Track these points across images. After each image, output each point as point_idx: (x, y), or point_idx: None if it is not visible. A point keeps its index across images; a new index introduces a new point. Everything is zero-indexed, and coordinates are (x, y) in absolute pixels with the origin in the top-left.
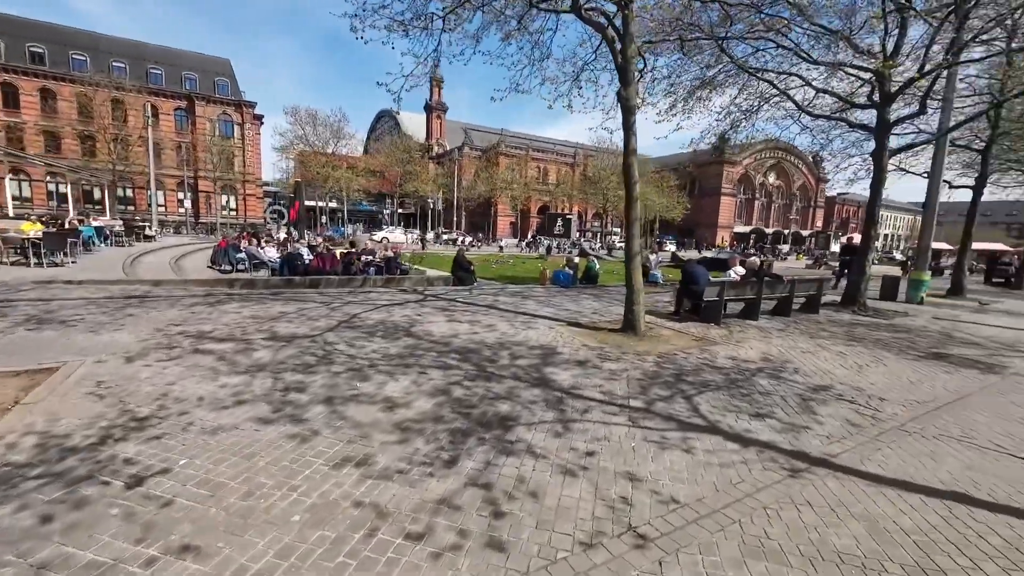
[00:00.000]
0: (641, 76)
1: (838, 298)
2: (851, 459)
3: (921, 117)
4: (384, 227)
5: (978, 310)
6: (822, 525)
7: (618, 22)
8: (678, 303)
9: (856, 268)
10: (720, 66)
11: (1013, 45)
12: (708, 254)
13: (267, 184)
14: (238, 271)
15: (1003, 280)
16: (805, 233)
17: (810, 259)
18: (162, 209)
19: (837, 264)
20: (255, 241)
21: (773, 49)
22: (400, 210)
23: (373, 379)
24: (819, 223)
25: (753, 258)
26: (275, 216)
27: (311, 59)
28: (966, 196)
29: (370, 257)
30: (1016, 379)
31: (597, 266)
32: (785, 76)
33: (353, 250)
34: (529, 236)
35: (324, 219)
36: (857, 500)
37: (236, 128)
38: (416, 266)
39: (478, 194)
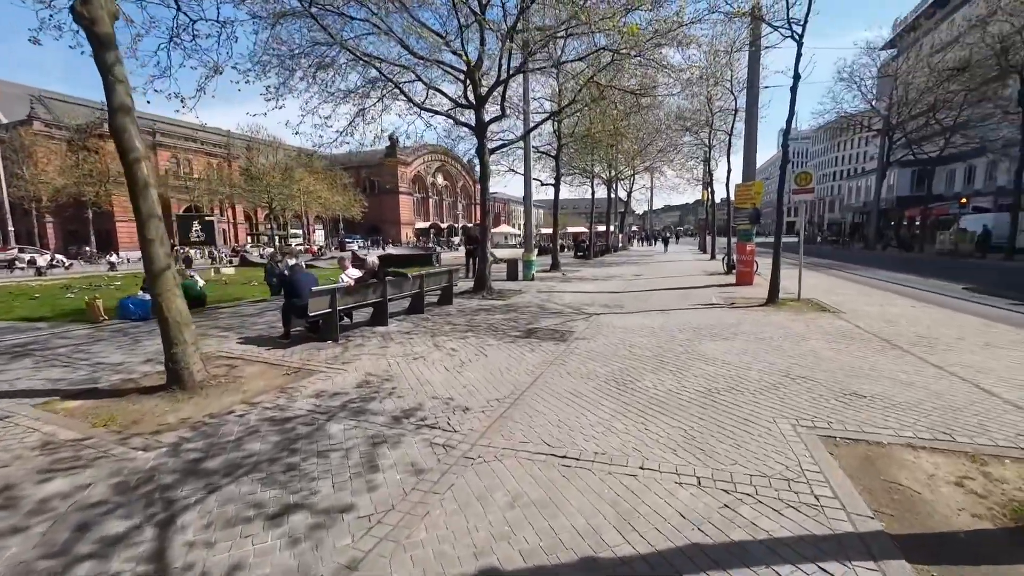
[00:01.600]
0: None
1: (472, 284)
2: (376, 562)
3: (514, 122)
4: None
5: (563, 280)
6: None
7: None
8: (285, 323)
9: (480, 256)
10: (337, 48)
11: (558, 70)
12: (394, 250)
13: None
14: None
15: (582, 254)
16: (471, 226)
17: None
18: None
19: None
20: None
21: (382, 37)
22: None
23: None
24: (479, 218)
25: (372, 256)
26: None
27: None
28: (569, 193)
29: None
30: (575, 344)
31: (201, 284)
32: (400, 69)
33: None
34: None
35: None
36: None
37: None
38: None
39: (57, 190)
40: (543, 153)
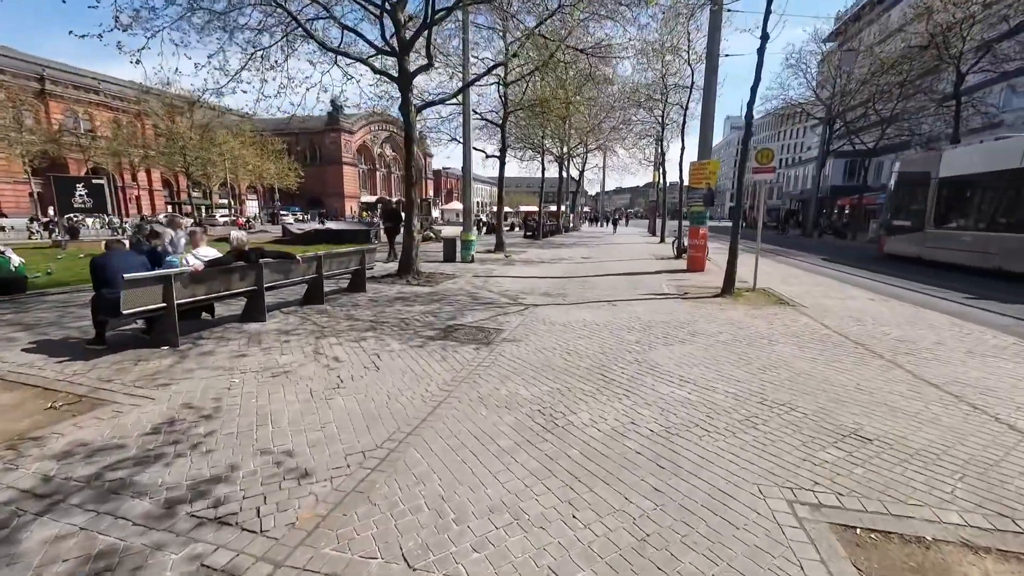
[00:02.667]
0: None
1: (396, 267)
2: None
3: (456, 84)
4: None
5: (506, 262)
6: None
7: None
8: (96, 323)
9: (405, 234)
10: None
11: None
12: (333, 225)
13: None
14: None
15: (531, 233)
16: (419, 201)
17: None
18: None
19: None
20: None
21: None
22: None
23: None
24: (431, 192)
25: (239, 233)
26: None
27: None
28: (521, 171)
29: None
30: (500, 349)
31: (15, 263)
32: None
33: None
34: (51, 213)
35: None
36: None
37: None
38: None
39: None
40: (488, 121)
